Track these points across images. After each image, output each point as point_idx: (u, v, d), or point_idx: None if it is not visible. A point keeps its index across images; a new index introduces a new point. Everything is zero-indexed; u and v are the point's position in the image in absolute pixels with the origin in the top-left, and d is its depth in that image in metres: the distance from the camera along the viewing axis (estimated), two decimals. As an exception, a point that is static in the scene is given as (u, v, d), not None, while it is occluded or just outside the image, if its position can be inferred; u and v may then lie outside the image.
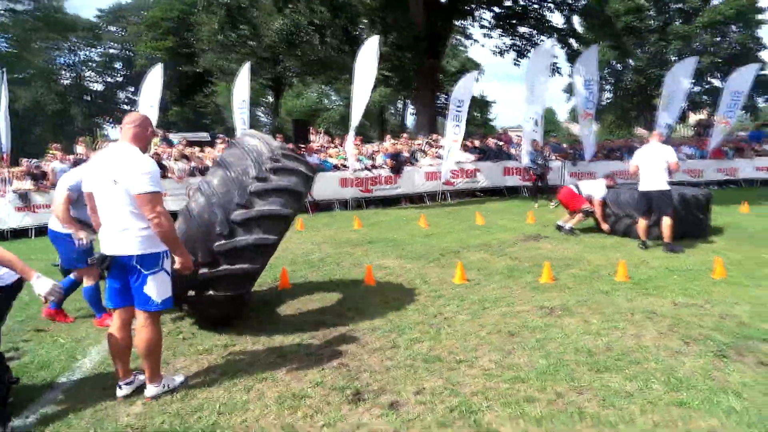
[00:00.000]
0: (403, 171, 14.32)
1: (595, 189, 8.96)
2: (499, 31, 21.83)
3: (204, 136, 23.35)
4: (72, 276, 5.01)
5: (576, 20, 23.06)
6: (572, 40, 22.29)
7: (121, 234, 3.26)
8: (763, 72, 22.85)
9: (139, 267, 3.28)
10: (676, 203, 7.82)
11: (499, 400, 3.23)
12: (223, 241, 4.14)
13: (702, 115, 29.60)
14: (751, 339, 4.10)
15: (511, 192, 15.78)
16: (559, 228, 9.15)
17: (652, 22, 29.31)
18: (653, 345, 4.05)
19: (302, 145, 13.07)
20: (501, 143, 16.70)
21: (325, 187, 13.27)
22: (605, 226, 8.84)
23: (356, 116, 12.90)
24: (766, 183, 17.45)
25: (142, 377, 3.53)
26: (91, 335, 4.72)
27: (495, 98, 80.00)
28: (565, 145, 16.87)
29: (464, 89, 14.40)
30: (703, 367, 3.62)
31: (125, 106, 44.71)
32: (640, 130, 37.84)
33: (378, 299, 5.51)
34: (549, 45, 14.77)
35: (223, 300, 4.34)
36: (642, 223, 7.77)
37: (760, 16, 28.28)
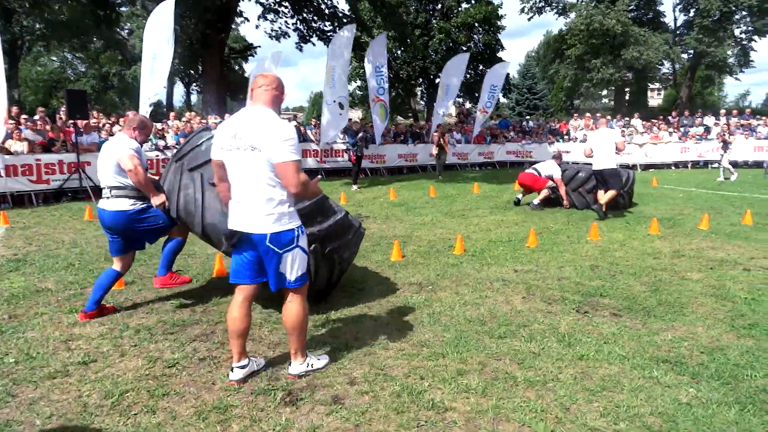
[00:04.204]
0: (200, 152, 13.28)
1: (552, 169, 9.91)
2: (283, 11, 21.56)
3: None
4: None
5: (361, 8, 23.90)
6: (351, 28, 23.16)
7: (255, 209, 3.00)
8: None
9: (272, 246, 3.02)
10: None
11: (434, 377, 3.26)
12: None
13: (455, 105, 33.61)
14: (592, 296, 4.85)
15: (310, 174, 15.83)
16: (532, 205, 9.93)
17: (416, 17, 32.17)
18: (525, 309, 4.51)
19: (78, 121, 11.09)
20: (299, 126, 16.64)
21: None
22: (567, 202, 9.89)
23: (149, 91, 11.51)
24: (514, 164, 20.51)
25: (260, 362, 3.42)
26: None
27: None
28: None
29: (268, 69, 13.92)
30: (575, 323, 4.17)
31: None
32: (399, 118, 41.35)
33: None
34: (347, 32, 15.01)
35: None
36: (600, 195, 9.09)
37: (500, 22, 33.08)
